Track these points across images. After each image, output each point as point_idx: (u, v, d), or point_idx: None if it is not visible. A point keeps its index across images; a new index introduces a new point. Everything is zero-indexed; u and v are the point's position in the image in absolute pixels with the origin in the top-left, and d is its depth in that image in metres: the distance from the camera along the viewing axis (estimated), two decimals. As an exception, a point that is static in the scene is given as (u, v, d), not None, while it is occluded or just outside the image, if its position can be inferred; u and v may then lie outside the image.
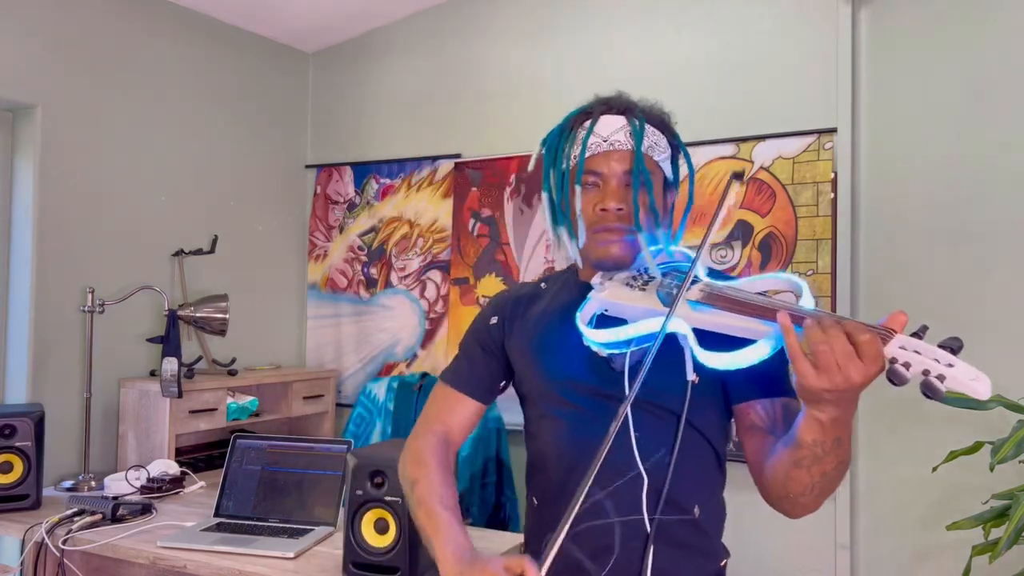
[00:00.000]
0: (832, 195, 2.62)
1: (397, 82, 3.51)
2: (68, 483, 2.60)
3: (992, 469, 2.03)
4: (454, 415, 1.39)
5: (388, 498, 1.77)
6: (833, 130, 2.64)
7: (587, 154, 1.26)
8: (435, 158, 3.38)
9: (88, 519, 2.13)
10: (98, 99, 2.84)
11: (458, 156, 3.32)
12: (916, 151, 2.57)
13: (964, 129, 2.50)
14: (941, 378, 0.84)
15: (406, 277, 3.42)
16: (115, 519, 2.16)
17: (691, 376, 1.18)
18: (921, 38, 2.57)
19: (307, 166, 3.70)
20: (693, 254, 1.19)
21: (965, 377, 0.84)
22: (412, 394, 2.95)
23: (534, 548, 1.32)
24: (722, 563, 1.28)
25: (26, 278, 2.66)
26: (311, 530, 2.11)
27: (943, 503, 2.44)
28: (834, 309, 2.60)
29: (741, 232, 2.74)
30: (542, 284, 1.41)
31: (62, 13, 2.74)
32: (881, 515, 2.58)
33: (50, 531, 2.08)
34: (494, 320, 1.40)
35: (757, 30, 2.79)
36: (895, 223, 2.59)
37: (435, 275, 3.34)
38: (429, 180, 3.39)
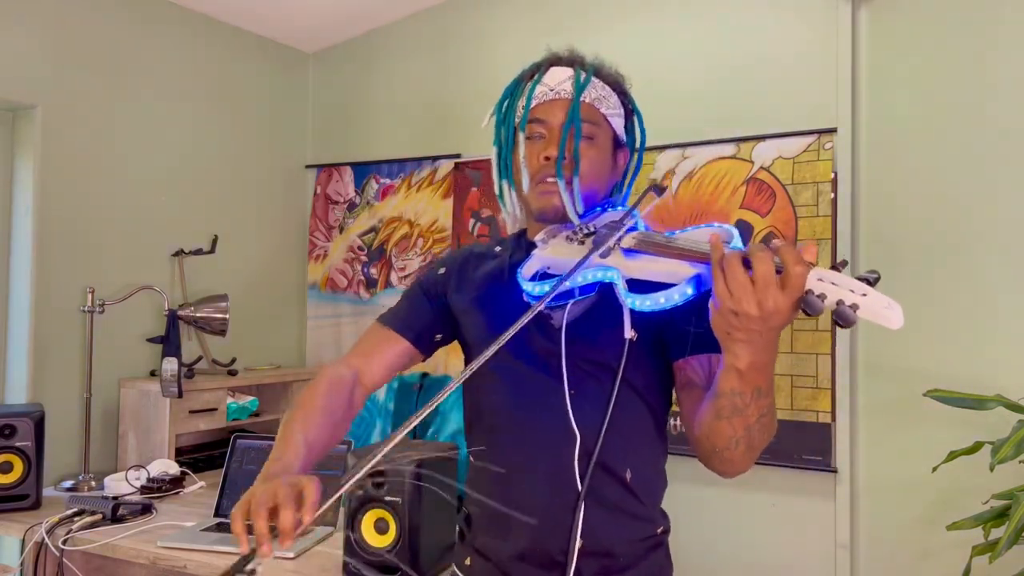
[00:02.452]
0: (832, 195, 2.62)
1: (397, 82, 3.51)
2: (68, 483, 2.60)
3: (992, 469, 2.03)
4: (378, 350, 1.35)
5: (388, 498, 1.76)
6: (833, 130, 2.64)
7: (533, 103, 1.26)
8: (435, 158, 3.38)
9: (88, 519, 2.13)
10: (98, 99, 2.84)
11: (458, 156, 3.32)
12: (916, 151, 2.57)
13: (964, 129, 2.50)
14: (855, 307, 0.84)
15: (406, 277, 3.42)
16: (115, 519, 2.16)
17: (628, 333, 1.17)
18: (921, 38, 2.57)
19: (307, 166, 3.70)
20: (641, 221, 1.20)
21: (878, 305, 0.83)
22: (412, 394, 2.95)
23: (470, 509, 1.32)
24: (658, 530, 1.26)
25: (26, 278, 2.66)
26: (311, 530, 2.11)
27: (943, 503, 2.44)
28: (834, 309, 2.60)
29: (741, 232, 2.73)
30: (497, 247, 1.39)
31: (62, 13, 2.73)
32: (881, 515, 2.58)
33: (50, 531, 2.08)
34: (442, 271, 1.39)
35: (757, 30, 2.79)
36: (895, 223, 2.59)
37: (435, 275, 3.34)
38: (429, 180, 3.39)
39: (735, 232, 1.03)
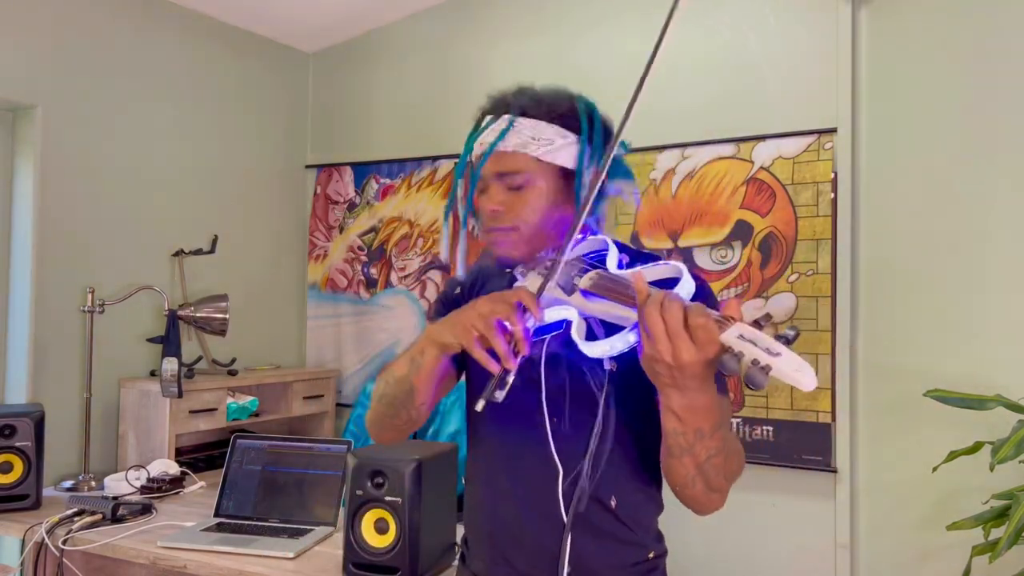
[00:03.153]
0: (832, 195, 2.62)
1: (397, 82, 3.51)
2: (68, 483, 2.60)
3: (992, 469, 2.03)
4: None
5: (388, 498, 1.77)
6: (833, 130, 2.64)
7: (470, 156, 1.30)
8: (435, 158, 3.38)
9: (88, 519, 2.13)
10: (98, 99, 2.84)
11: (458, 156, 3.31)
12: (916, 151, 2.57)
13: (964, 128, 2.50)
14: (767, 369, 0.82)
15: (406, 277, 3.42)
16: (115, 519, 2.16)
17: (608, 364, 1.18)
18: (921, 38, 2.57)
19: (307, 166, 3.70)
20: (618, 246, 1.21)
21: (789, 368, 0.81)
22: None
23: (469, 526, 1.35)
24: (649, 555, 1.27)
25: (26, 278, 2.66)
26: (311, 530, 2.11)
27: (943, 503, 2.44)
28: (834, 309, 2.60)
29: (741, 232, 2.74)
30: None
31: (62, 13, 2.73)
32: (881, 515, 2.58)
33: (50, 531, 2.08)
34: (457, 291, 1.42)
35: (757, 30, 2.79)
36: (895, 223, 2.59)
37: (435, 275, 3.34)
38: (429, 180, 3.39)
39: (683, 269, 1.04)
